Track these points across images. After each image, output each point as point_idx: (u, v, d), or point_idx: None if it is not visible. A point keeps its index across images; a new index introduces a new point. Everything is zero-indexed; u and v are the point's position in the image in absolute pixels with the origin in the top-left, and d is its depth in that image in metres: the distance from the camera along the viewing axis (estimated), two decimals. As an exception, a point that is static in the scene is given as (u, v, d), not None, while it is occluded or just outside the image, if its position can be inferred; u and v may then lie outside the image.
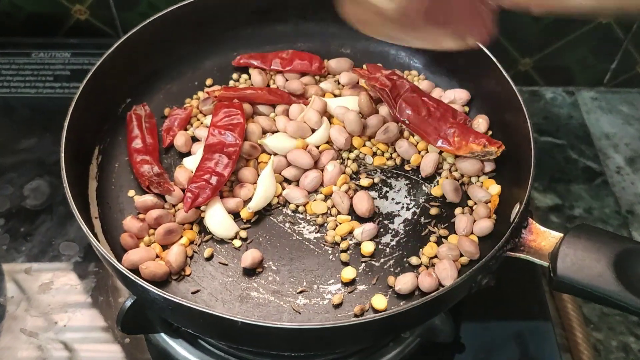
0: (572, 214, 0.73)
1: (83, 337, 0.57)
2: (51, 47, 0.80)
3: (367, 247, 0.52)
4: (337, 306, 0.49)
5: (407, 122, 0.56)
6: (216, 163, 0.53)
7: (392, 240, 0.53)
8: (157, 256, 0.51)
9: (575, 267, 0.44)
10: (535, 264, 0.47)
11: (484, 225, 0.52)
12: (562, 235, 0.47)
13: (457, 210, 0.55)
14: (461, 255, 0.51)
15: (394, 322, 0.43)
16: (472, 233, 0.53)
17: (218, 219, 0.52)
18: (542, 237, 0.48)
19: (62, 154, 0.50)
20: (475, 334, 0.58)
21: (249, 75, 0.64)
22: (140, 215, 0.53)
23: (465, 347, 0.57)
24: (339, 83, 0.63)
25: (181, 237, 0.52)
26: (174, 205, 0.54)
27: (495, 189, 0.55)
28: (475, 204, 0.55)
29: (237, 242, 0.52)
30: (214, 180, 0.52)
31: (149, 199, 0.53)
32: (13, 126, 0.73)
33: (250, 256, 0.50)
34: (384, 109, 0.59)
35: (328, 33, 0.67)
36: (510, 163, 0.56)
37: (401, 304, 0.49)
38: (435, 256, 0.52)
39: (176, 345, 0.55)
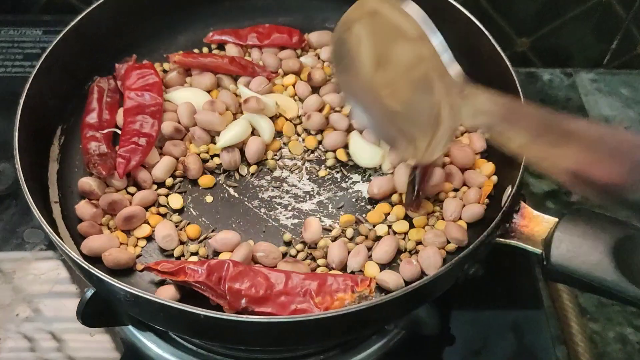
0: (569, 200, 0.70)
1: (44, 328, 0.54)
2: (22, 25, 0.76)
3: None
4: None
5: (249, 308, 0.42)
6: (141, 124, 0.51)
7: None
8: (121, 244, 0.47)
9: (571, 255, 0.41)
10: (528, 251, 0.44)
11: (474, 211, 0.49)
12: (556, 220, 0.44)
13: (451, 194, 0.51)
14: (448, 242, 0.48)
15: (372, 314, 0.40)
16: (460, 218, 0.50)
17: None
18: (536, 222, 0.45)
19: (16, 135, 0.47)
20: (465, 325, 0.55)
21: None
22: (94, 201, 0.49)
23: (455, 338, 0.54)
24: (319, 58, 0.60)
25: (145, 222, 0.48)
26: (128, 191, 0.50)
27: (488, 168, 0.52)
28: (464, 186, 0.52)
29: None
30: (142, 141, 0.50)
31: (86, 182, 0.49)
32: (-22, 107, 0.69)
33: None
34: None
35: (311, 7, 0.63)
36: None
37: (382, 294, 0.45)
38: (422, 243, 0.48)
39: (144, 339, 0.52)
